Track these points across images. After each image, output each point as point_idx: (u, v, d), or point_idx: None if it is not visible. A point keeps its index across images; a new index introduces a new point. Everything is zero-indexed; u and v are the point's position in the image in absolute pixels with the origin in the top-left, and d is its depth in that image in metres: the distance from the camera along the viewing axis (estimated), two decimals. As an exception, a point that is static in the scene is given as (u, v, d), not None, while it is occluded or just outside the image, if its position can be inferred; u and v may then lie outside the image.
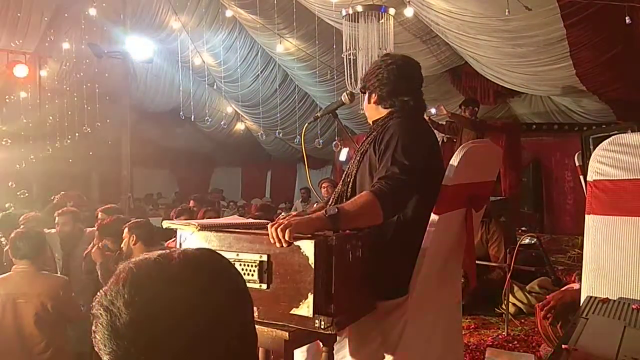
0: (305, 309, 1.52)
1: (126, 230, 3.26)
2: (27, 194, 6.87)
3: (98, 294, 0.74)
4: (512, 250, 3.56)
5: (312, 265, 1.52)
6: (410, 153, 1.81)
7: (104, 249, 3.42)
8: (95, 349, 0.72)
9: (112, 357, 0.70)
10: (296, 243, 1.55)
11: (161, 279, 0.73)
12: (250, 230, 1.74)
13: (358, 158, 2.01)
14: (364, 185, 1.93)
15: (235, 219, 2.20)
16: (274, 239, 1.56)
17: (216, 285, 0.76)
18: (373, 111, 2.07)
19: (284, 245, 1.55)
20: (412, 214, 1.88)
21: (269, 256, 1.59)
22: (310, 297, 1.52)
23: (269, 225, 1.60)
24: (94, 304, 0.74)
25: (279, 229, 1.55)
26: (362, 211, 1.71)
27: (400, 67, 2.01)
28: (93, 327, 0.72)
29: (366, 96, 2.09)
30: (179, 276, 0.74)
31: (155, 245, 3.19)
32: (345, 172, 2.08)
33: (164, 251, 0.78)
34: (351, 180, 2.00)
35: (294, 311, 1.54)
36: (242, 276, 0.83)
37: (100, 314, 0.72)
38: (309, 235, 1.58)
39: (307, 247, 1.53)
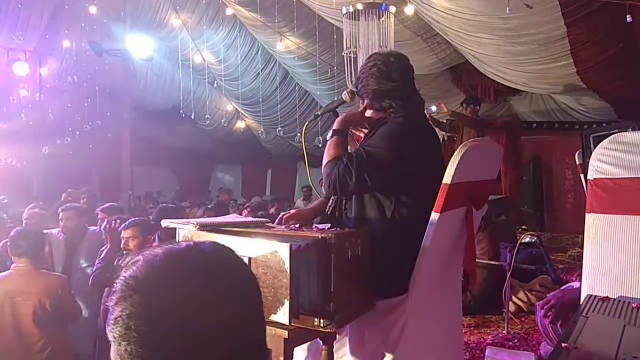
0: (282, 315, 1.46)
1: (137, 229, 3.11)
2: (6, 201, 6.79)
3: (122, 277, 0.73)
4: (513, 248, 3.56)
5: (288, 271, 1.45)
6: (384, 145, 1.86)
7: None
8: (113, 335, 0.71)
9: (137, 340, 0.70)
10: (273, 247, 1.50)
11: (196, 264, 0.74)
12: (235, 229, 1.73)
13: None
14: None
15: (235, 218, 2.19)
16: None
17: (241, 278, 0.79)
18: (370, 115, 2.07)
19: None
20: (411, 212, 1.87)
21: (249, 259, 1.54)
22: (286, 303, 1.46)
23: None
24: (118, 287, 0.73)
25: None
26: (328, 153, 1.90)
27: (380, 69, 1.98)
28: (116, 313, 0.71)
29: (361, 102, 2.10)
30: (211, 264, 0.75)
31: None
32: None
33: (173, 245, 0.78)
34: None
35: (272, 317, 1.48)
36: (252, 273, 0.85)
37: (130, 295, 0.71)
38: (286, 237, 1.57)
39: (283, 251, 1.47)
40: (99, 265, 3.41)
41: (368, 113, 2.06)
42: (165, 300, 0.71)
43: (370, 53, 4.98)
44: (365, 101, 2.04)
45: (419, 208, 1.86)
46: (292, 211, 2.04)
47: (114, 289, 0.74)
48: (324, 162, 1.91)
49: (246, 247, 1.56)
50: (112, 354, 0.73)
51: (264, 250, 1.50)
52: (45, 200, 6.31)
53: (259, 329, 0.81)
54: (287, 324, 1.47)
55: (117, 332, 0.71)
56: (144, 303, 0.71)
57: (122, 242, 3.12)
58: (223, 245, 0.82)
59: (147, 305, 0.70)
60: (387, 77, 1.98)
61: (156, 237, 3.79)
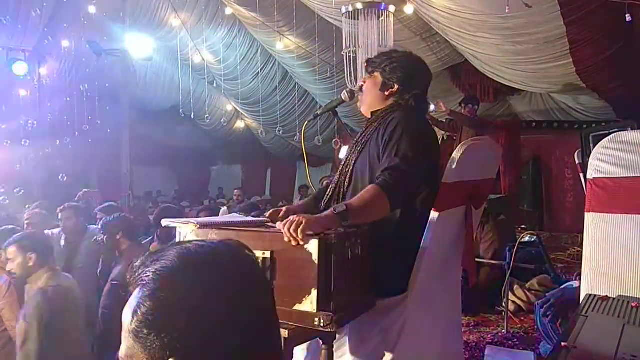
0: (309, 304, 1.52)
1: (18, 248, 2.80)
2: (7, 202, 6.86)
3: (151, 270, 0.73)
4: (512, 248, 3.56)
5: (316, 262, 1.52)
6: (414, 145, 1.80)
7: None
8: (139, 329, 0.70)
9: (169, 334, 0.69)
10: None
11: (212, 263, 0.76)
12: (252, 228, 1.74)
13: (359, 148, 1.98)
14: (364, 174, 1.91)
15: (234, 217, 2.19)
16: (287, 236, 1.53)
17: (259, 275, 0.82)
18: (377, 99, 2.03)
19: (296, 243, 1.53)
20: (411, 212, 1.87)
21: (272, 253, 1.58)
22: (314, 292, 1.52)
23: (279, 223, 1.59)
24: (147, 281, 0.72)
25: (292, 227, 1.52)
26: (370, 204, 1.70)
27: (419, 69, 2.04)
28: (146, 306, 0.70)
29: (372, 79, 2.04)
30: (227, 262, 0.77)
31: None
32: (343, 162, 2.05)
33: (197, 242, 0.80)
34: (350, 169, 1.98)
35: (297, 307, 1.53)
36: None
37: (158, 287, 0.71)
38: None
39: (311, 243, 1.53)
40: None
41: (379, 96, 2.02)
42: (204, 289, 0.71)
43: (369, 53, 5.02)
44: (387, 87, 2.00)
45: (419, 207, 1.87)
46: (283, 208, 2.03)
47: (142, 282, 0.72)
48: (371, 203, 1.71)
49: (268, 241, 1.62)
50: (127, 351, 0.72)
51: (287, 245, 1.55)
52: (45, 200, 6.31)
53: (277, 322, 0.84)
54: (315, 311, 1.51)
55: (151, 325, 0.69)
56: (185, 291, 0.70)
57: (7, 263, 2.80)
58: (242, 243, 0.85)
59: (187, 295, 0.70)
60: (424, 79, 2.06)
61: (155, 237, 3.78)
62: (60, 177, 7.84)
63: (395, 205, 1.76)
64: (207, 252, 0.77)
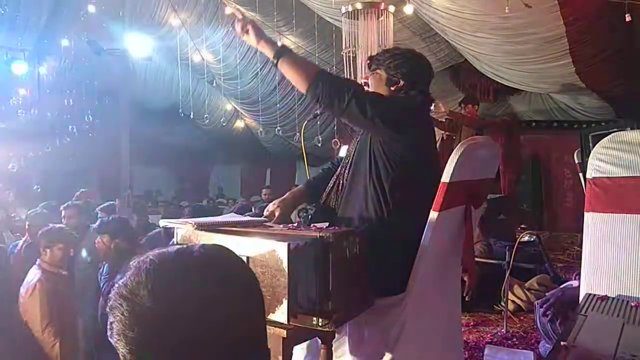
0: (281, 314, 1.47)
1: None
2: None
3: (115, 286, 0.76)
4: (512, 247, 3.56)
5: (286, 270, 1.46)
6: (386, 101, 1.91)
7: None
8: (112, 342, 0.75)
9: (130, 346, 0.72)
10: (272, 246, 1.50)
11: (184, 269, 0.77)
12: (232, 229, 1.73)
13: (358, 139, 2.01)
14: (360, 164, 1.93)
15: (233, 217, 2.19)
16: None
17: (235, 278, 0.81)
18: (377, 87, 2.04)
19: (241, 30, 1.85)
20: (410, 211, 1.87)
21: (247, 258, 1.53)
22: (285, 302, 1.46)
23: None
24: (111, 296, 0.76)
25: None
26: (299, 70, 1.83)
27: (423, 65, 2.05)
28: (110, 319, 0.75)
29: (375, 76, 2.04)
30: (200, 267, 0.78)
31: None
32: (345, 156, 2.07)
33: (164, 250, 0.81)
34: (349, 161, 2.00)
35: (271, 317, 1.48)
36: (251, 271, 0.87)
37: (120, 304, 0.74)
38: (284, 237, 1.56)
39: (281, 250, 1.47)
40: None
41: (386, 91, 2.01)
42: (151, 306, 0.72)
43: (369, 53, 5.01)
44: (392, 83, 2.00)
45: (418, 206, 1.86)
46: (276, 201, 2.04)
47: (110, 297, 0.77)
48: (302, 67, 1.85)
49: (244, 247, 1.55)
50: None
51: (263, 250, 1.50)
52: (45, 200, 6.32)
53: (256, 329, 0.84)
54: (286, 322, 1.47)
55: (114, 339, 0.74)
56: (131, 310, 0.73)
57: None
58: (216, 247, 0.84)
59: (134, 312, 0.73)
60: (429, 77, 2.07)
61: None
62: (35, 188, 7.86)
63: (314, 92, 1.80)
64: (158, 263, 0.77)
